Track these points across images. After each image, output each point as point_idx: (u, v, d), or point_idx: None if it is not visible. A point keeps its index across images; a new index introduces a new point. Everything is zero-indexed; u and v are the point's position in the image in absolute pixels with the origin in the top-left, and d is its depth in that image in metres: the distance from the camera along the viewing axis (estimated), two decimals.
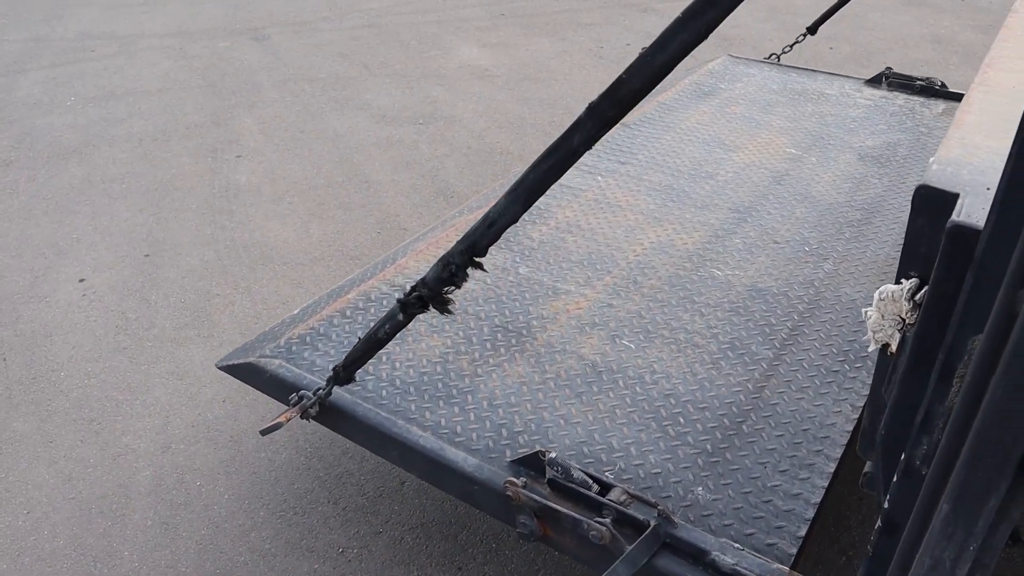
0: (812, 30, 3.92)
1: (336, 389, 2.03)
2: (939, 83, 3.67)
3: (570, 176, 2.96)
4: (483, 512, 1.92)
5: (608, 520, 1.66)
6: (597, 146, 3.17)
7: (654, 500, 1.71)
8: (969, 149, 1.37)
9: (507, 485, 1.75)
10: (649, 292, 2.44)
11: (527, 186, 1.46)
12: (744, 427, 1.97)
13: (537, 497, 1.72)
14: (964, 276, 1.05)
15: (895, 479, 1.21)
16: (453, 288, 1.68)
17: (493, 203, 1.57)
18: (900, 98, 3.68)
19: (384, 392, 2.08)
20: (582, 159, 3.09)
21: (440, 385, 2.10)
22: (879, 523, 1.31)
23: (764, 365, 2.16)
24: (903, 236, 2.65)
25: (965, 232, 1.07)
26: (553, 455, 1.77)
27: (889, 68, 3.82)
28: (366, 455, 2.62)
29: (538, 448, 1.83)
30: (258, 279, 3.65)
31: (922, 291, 1.24)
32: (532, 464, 1.81)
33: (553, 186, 2.90)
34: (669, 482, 1.83)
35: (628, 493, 1.73)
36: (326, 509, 2.47)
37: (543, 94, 5.77)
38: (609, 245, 2.66)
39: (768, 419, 2.00)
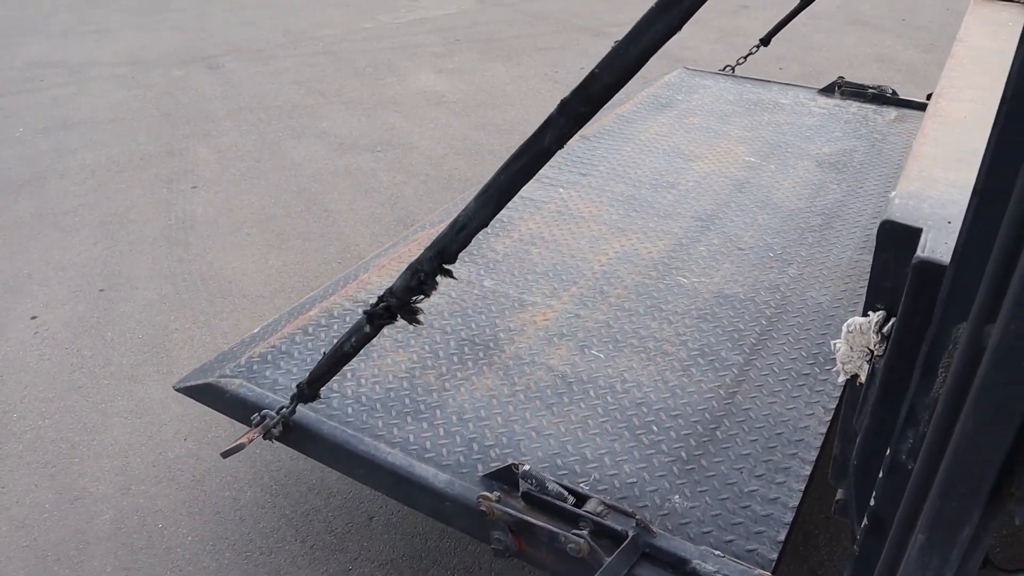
0: (765, 41, 3.98)
1: (300, 408, 1.97)
2: (890, 91, 3.74)
3: (532, 189, 2.95)
4: (455, 529, 1.86)
5: (586, 532, 1.62)
6: (557, 158, 3.16)
7: (631, 510, 1.67)
8: (928, 182, 1.41)
9: (480, 500, 1.70)
10: (616, 301, 2.42)
11: (498, 188, 1.42)
12: (718, 433, 1.95)
13: (512, 511, 1.67)
14: (931, 309, 1.07)
15: (880, 475, 1.19)
16: (422, 297, 1.62)
17: (455, 216, 1.53)
18: (853, 106, 3.74)
19: (350, 409, 2.01)
20: (543, 171, 3.08)
21: (407, 401, 2.04)
22: (865, 522, 1.28)
23: (735, 371, 2.14)
24: (864, 239, 2.68)
25: (931, 268, 1.10)
26: (527, 467, 1.72)
27: (841, 77, 3.88)
28: (333, 490, 2.55)
29: (510, 461, 1.79)
30: (217, 312, 3.58)
31: (889, 323, 1.27)
32: (505, 478, 1.76)
33: (516, 199, 2.89)
34: (645, 491, 1.80)
35: (605, 504, 1.69)
36: (294, 548, 2.38)
37: (500, 120, 5.77)
38: (574, 256, 2.64)
39: (741, 424, 1.97)
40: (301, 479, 2.60)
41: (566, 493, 1.70)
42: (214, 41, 7.81)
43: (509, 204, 2.90)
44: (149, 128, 5.69)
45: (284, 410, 1.89)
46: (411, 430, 1.95)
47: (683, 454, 1.89)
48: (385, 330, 2.22)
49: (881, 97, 3.74)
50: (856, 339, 1.32)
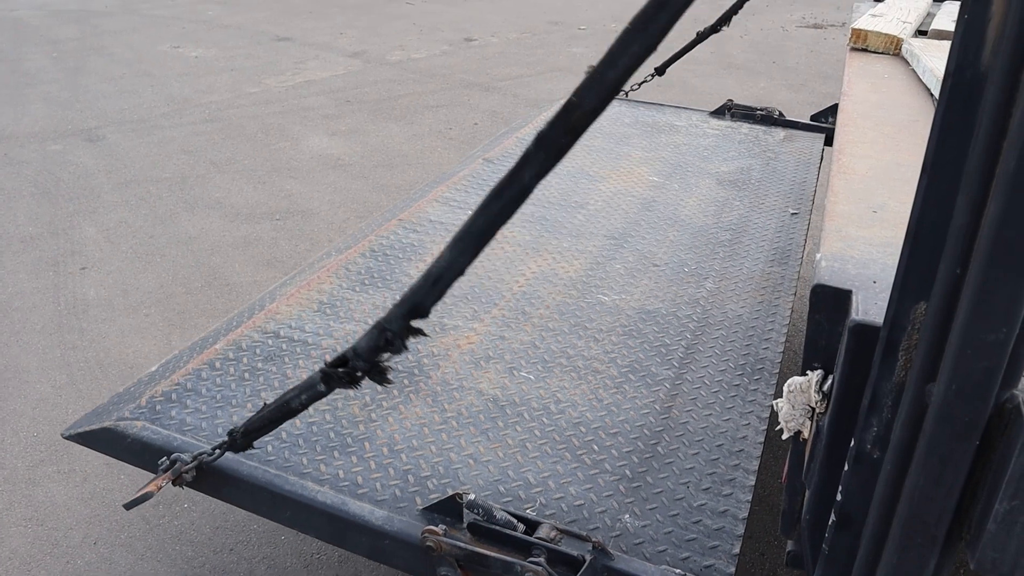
0: (660, 71, 4.06)
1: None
2: (777, 112, 3.89)
3: (440, 212, 2.87)
4: (396, 569, 1.73)
5: (542, 559, 1.53)
6: (463, 182, 3.08)
7: (585, 533, 1.59)
8: (848, 242, 1.51)
9: (426, 535, 1.58)
10: (540, 322, 2.35)
11: (475, 233, 1.27)
12: (659, 449, 1.91)
13: (461, 544, 1.56)
14: (868, 367, 1.13)
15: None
16: (389, 355, 1.46)
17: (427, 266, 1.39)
18: (744, 127, 3.87)
19: (269, 447, 1.85)
20: (449, 194, 2.99)
21: (331, 434, 1.90)
22: (833, 518, 1.27)
23: (667, 385, 2.11)
24: (772, 253, 2.73)
25: (866, 329, 1.18)
26: (471, 497, 1.61)
27: (730, 100, 4.01)
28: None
29: (451, 491, 1.68)
30: None
31: (828, 381, 1.33)
32: (448, 509, 1.65)
33: (421, 220, 2.78)
34: (594, 513, 1.72)
35: (557, 529, 1.60)
36: None
37: (398, 180, 5.68)
38: (491, 278, 2.57)
39: (681, 438, 1.94)
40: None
41: (515, 521, 1.61)
42: (92, 112, 7.38)
43: (418, 227, 2.81)
44: (28, 208, 5.29)
45: (204, 455, 1.71)
46: (339, 465, 1.81)
47: (627, 472, 1.83)
48: (300, 362, 2.08)
49: (769, 118, 3.88)
50: (797, 398, 1.39)
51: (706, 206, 3.08)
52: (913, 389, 1.01)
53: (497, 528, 1.59)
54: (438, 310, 2.30)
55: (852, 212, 1.70)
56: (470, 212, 2.92)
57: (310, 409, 1.91)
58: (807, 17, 10.55)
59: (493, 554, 1.54)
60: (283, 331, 2.25)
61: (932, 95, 2.62)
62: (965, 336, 0.90)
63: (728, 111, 3.97)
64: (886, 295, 1.08)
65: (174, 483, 1.74)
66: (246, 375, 2.07)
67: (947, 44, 3.04)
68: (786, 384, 1.39)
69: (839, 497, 1.24)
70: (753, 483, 1.82)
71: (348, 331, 2.26)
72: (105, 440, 1.89)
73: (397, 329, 1.37)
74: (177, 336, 3.86)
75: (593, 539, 1.57)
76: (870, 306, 1.24)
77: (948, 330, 0.93)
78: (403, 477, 1.79)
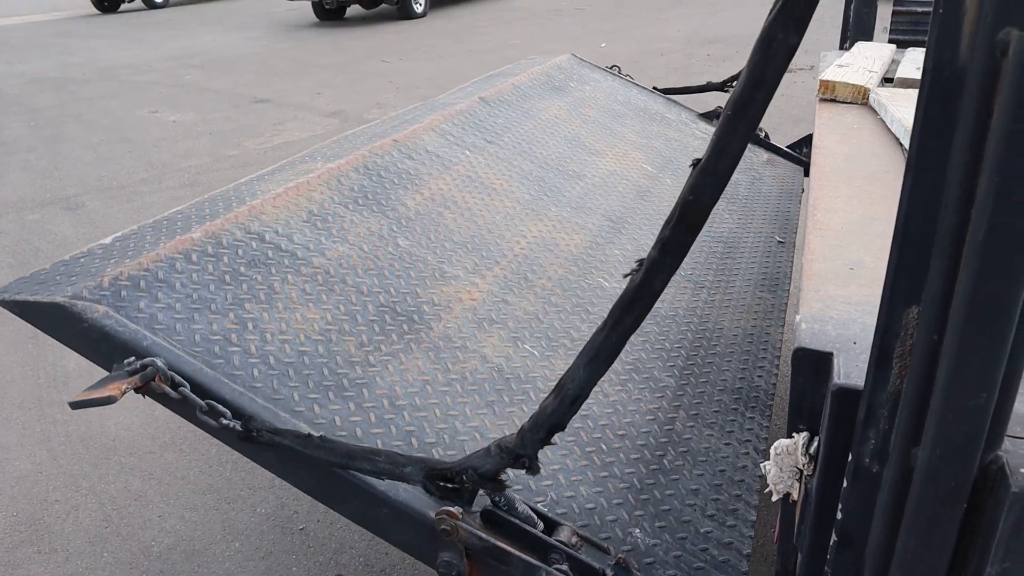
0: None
1: (191, 361, 1.53)
2: (763, 133, 3.85)
3: (438, 144, 2.63)
4: (384, 540, 1.53)
5: (566, 567, 1.39)
6: (460, 118, 2.84)
7: (606, 545, 1.46)
8: (826, 302, 1.53)
9: (442, 516, 1.39)
10: (542, 293, 2.19)
11: (608, 348, 1.24)
12: (665, 462, 1.80)
13: (482, 535, 1.39)
14: (852, 429, 1.13)
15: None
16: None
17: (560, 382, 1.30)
18: None
19: (255, 371, 1.59)
20: (446, 127, 2.74)
21: (326, 371, 1.66)
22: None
23: (669, 394, 2.01)
24: (762, 278, 2.67)
25: (848, 392, 1.18)
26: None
27: (720, 107, 3.94)
28: None
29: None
30: (103, 476, 3.23)
31: (815, 443, 1.34)
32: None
33: (416, 147, 2.53)
34: (606, 520, 1.60)
35: (578, 534, 1.46)
36: None
37: None
38: (491, 232, 2.36)
39: (685, 455, 1.84)
40: None
41: (536, 517, 1.45)
42: (71, 180, 7.17)
43: (413, 154, 2.56)
44: (5, 279, 4.80)
45: (206, 417, 1.46)
46: (336, 410, 1.58)
47: (635, 482, 1.72)
48: (290, 277, 1.83)
49: (755, 137, 3.84)
50: (784, 460, 1.39)
51: None
52: (898, 453, 1.02)
53: (516, 522, 1.43)
54: (436, 253, 2.10)
55: (829, 270, 1.71)
56: (468, 152, 2.70)
57: (300, 336, 1.69)
58: None
59: (517, 553, 1.38)
60: (269, 235, 1.96)
61: (901, 145, 2.63)
62: (946, 402, 0.90)
63: (716, 117, 3.89)
64: (866, 356, 1.08)
65: (138, 390, 1.46)
66: (227, 278, 1.79)
67: (912, 92, 3.08)
68: (773, 447, 1.40)
69: (828, 568, 1.23)
70: (755, 519, 1.75)
71: (341, 253, 2.00)
72: (53, 318, 1.57)
73: (533, 453, 1.30)
74: (161, 408, 3.62)
75: (619, 556, 1.44)
76: (851, 368, 1.25)
77: (929, 395, 0.93)
78: (406, 439, 1.58)
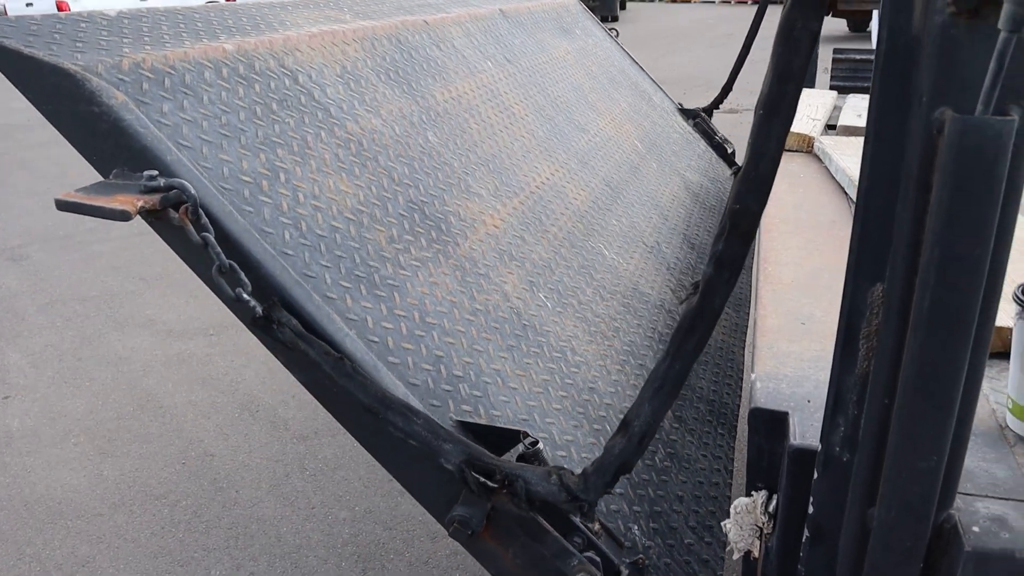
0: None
1: (220, 199, 1.23)
2: (731, 149, 3.83)
3: (463, 44, 2.39)
4: (391, 475, 1.32)
5: (596, 557, 1.24)
6: (481, 25, 2.60)
7: (625, 542, 1.34)
8: (780, 359, 1.56)
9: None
10: (554, 243, 2.01)
11: (673, 378, 1.15)
12: (656, 460, 1.70)
13: (521, 504, 1.21)
14: (809, 488, 1.14)
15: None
16: None
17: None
18: (702, 143, 3.75)
19: (287, 235, 1.31)
20: (473, 31, 2.49)
21: (357, 258, 1.41)
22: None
23: None
24: (738, 294, 2.64)
25: (804, 453, 1.21)
26: (539, 445, 1.27)
27: (700, 110, 3.88)
28: None
29: (483, 409, 1.33)
30: (48, 541, 3.06)
31: (773, 501, 1.35)
32: (498, 443, 1.29)
33: (445, 38, 2.28)
34: (610, 508, 1.47)
35: (600, 522, 1.33)
36: None
37: None
38: (510, 158, 2.15)
39: (672, 457, 1.75)
40: None
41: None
42: (15, 230, 6.85)
43: (441, 44, 2.30)
44: None
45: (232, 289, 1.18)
46: (368, 309, 1.34)
47: (634, 474, 1.60)
48: (323, 135, 1.56)
49: (722, 149, 3.81)
50: (744, 518, 1.39)
51: (678, 206, 2.91)
52: (854, 513, 1.03)
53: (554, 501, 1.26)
54: (462, 160, 1.89)
55: (781, 326, 1.75)
56: (491, 64, 2.46)
57: (333, 209, 1.44)
58: (724, 103, 10.88)
59: (554, 532, 1.22)
60: (302, 78, 1.65)
61: (847, 194, 2.71)
62: (898, 464, 0.92)
63: (693, 119, 3.83)
64: (820, 415, 1.08)
65: (150, 213, 1.15)
66: (258, 111, 1.47)
67: (854, 139, 3.19)
68: (732, 505, 1.39)
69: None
70: (724, 541, 1.70)
71: (375, 127, 1.72)
72: (51, 88, 1.21)
73: (595, 499, 1.17)
74: (109, 465, 3.50)
75: (639, 556, 1.32)
76: (807, 428, 1.28)
77: (882, 457, 0.95)
78: (435, 364, 1.37)
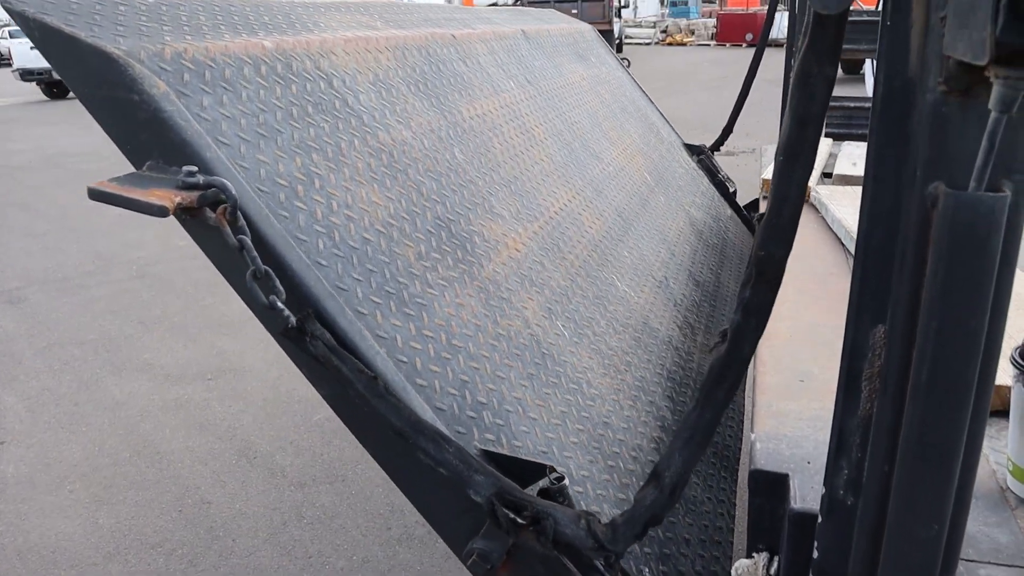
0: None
1: (257, 202, 1.18)
2: (733, 188, 3.84)
3: (488, 61, 2.37)
4: (406, 496, 1.26)
5: None
6: (505, 43, 2.58)
7: None
8: (779, 419, 1.56)
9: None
10: (571, 271, 1.98)
11: (703, 429, 1.16)
12: None
13: (548, 544, 1.17)
14: (811, 550, 1.13)
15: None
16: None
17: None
18: (705, 180, 3.76)
19: (321, 244, 1.27)
20: (499, 51, 2.47)
21: (387, 273, 1.36)
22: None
23: (666, 423, 1.88)
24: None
25: (805, 517, 1.21)
26: (565, 482, 1.23)
27: (705, 147, 3.89)
28: None
29: (504, 439, 1.29)
30: None
31: (775, 562, 1.35)
32: (523, 475, 1.24)
33: (470, 54, 2.26)
34: None
35: (620, 568, 1.28)
36: None
37: None
38: (531, 181, 2.12)
39: (680, 499, 1.71)
40: None
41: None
42: (14, 272, 6.92)
43: (467, 60, 2.27)
44: None
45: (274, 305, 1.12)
46: (398, 328, 1.30)
47: None
48: (356, 143, 1.52)
49: (724, 187, 3.82)
50: None
51: (683, 243, 2.89)
52: (860, 558, 1.02)
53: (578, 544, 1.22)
54: (486, 179, 1.86)
55: (780, 383, 1.75)
56: (513, 84, 2.44)
57: (365, 220, 1.40)
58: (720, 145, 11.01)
59: (577, 573, 1.18)
60: (336, 83, 1.61)
61: (844, 245, 2.72)
62: (899, 533, 0.92)
63: (699, 156, 3.84)
64: (820, 476, 1.08)
65: (184, 211, 1.10)
66: (295, 112, 1.43)
67: (850, 188, 3.19)
68: (734, 567, 1.39)
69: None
70: None
71: (405, 139, 1.69)
72: (89, 69, 1.16)
73: (623, 550, 1.16)
74: (104, 513, 3.47)
75: None
76: (807, 491, 1.27)
77: (887, 500, 0.94)
78: (460, 389, 1.33)
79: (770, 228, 1.04)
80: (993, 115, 0.72)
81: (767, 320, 1.11)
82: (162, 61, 1.22)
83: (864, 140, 4.15)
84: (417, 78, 1.93)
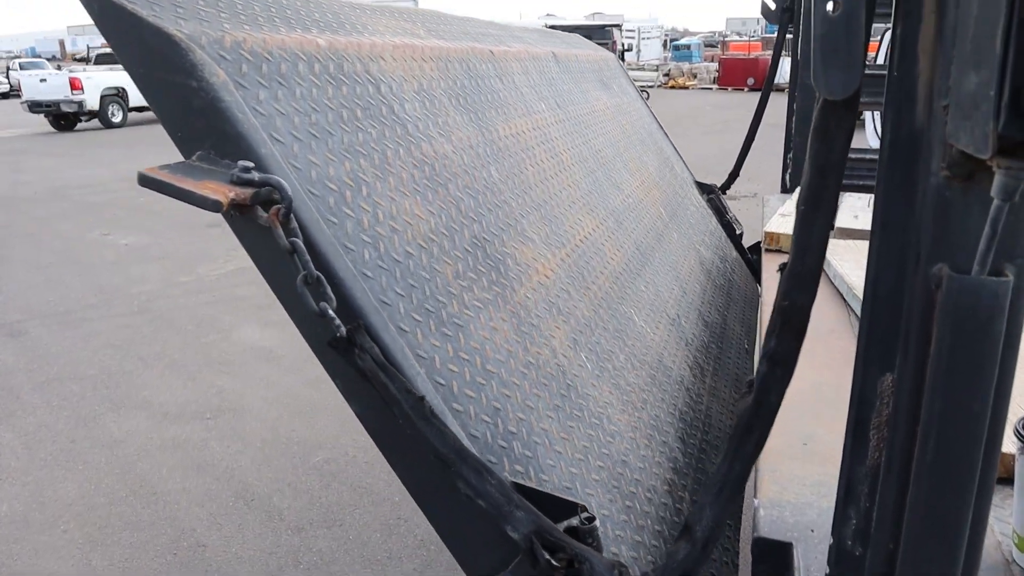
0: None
1: (309, 206, 1.14)
2: (740, 230, 3.84)
3: (522, 81, 2.34)
4: (436, 530, 1.21)
5: None
6: (537, 64, 2.55)
7: None
8: (782, 484, 1.53)
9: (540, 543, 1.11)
10: (593, 301, 1.95)
11: (733, 481, 1.14)
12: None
13: None
14: None
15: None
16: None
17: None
18: (713, 220, 3.75)
19: (367, 255, 1.22)
20: (532, 70, 2.45)
21: (427, 291, 1.32)
22: None
23: (679, 467, 1.84)
24: (735, 380, 2.60)
25: None
26: (596, 523, 1.19)
27: (716, 186, 3.89)
28: None
29: (533, 471, 1.25)
30: None
31: None
32: (554, 513, 1.20)
33: (505, 72, 2.23)
34: None
35: None
36: None
37: None
38: (559, 206, 2.09)
39: None
40: None
41: None
42: (16, 304, 6.92)
43: (504, 80, 2.24)
44: None
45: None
46: (437, 348, 1.25)
47: (658, 558, 1.52)
48: (401, 152, 1.48)
49: (731, 228, 3.81)
50: None
51: (694, 282, 2.87)
52: None
53: None
54: (519, 201, 1.83)
55: (783, 446, 1.72)
56: (543, 105, 2.40)
57: (408, 232, 1.35)
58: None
59: None
60: (384, 88, 1.57)
61: (847, 302, 2.71)
62: None
63: (709, 195, 3.83)
64: (825, 545, 1.07)
65: (234, 207, 1.05)
66: (345, 115, 1.38)
67: (852, 243, 3.18)
68: None
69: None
70: None
71: (446, 152, 1.65)
72: (148, 48, 1.11)
73: None
74: (98, 554, 3.43)
75: None
76: (811, 560, 1.26)
77: (896, 551, 0.93)
78: (493, 416, 1.28)
79: (793, 277, 1.03)
80: (995, 203, 0.72)
81: (794, 369, 1.10)
82: (222, 49, 1.18)
83: (865, 192, 4.17)
84: (458, 91, 1.90)
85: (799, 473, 1.57)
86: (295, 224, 1.07)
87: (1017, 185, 0.70)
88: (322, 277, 1.07)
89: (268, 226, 1.06)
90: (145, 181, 1.04)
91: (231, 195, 1.03)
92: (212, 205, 1.00)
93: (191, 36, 1.13)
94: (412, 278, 1.30)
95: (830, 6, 0.84)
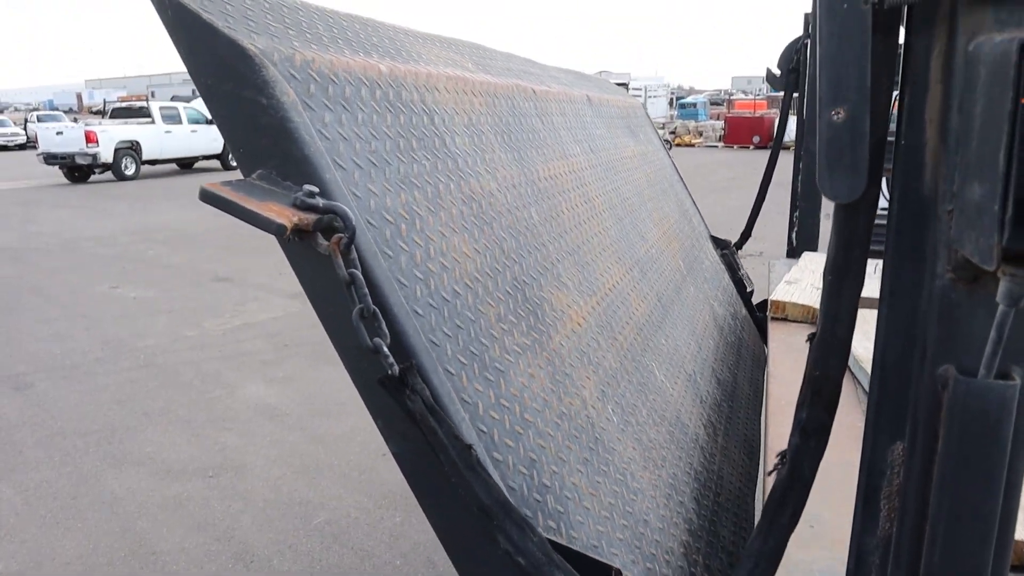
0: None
1: (367, 236, 1.11)
2: (751, 288, 3.83)
3: (560, 122, 2.33)
4: (456, 570, 1.17)
5: None
6: (573, 108, 2.54)
7: None
8: (789, 569, 1.43)
9: None
10: (620, 353, 1.92)
11: (768, 556, 1.11)
12: None
13: None
14: None
15: None
16: None
17: None
18: (726, 276, 3.74)
19: (418, 291, 1.19)
20: (565, 109, 2.44)
21: (472, 332, 1.29)
22: None
23: (692, 528, 1.80)
24: (743, 441, 2.57)
25: None
26: None
27: (731, 242, 3.88)
28: None
29: (564, 527, 1.21)
30: None
31: None
32: (588, 573, 1.16)
33: (548, 121, 2.21)
34: None
35: None
36: None
37: (337, 430, 5.19)
38: (590, 252, 2.07)
39: None
40: None
41: None
42: (22, 357, 6.90)
43: (544, 120, 2.23)
44: None
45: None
46: (480, 394, 1.22)
47: None
48: (452, 187, 1.46)
49: (742, 286, 3.81)
50: None
51: (707, 338, 2.85)
52: None
53: None
54: (555, 245, 1.80)
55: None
56: (578, 148, 2.38)
57: (456, 270, 1.32)
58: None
59: None
60: (437, 119, 1.55)
61: (854, 375, 2.67)
62: None
63: (723, 250, 3.83)
64: None
65: (295, 232, 1.01)
66: (402, 145, 1.36)
67: (859, 312, 3.16)
68: None
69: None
70: None
71: (492, 190, 1.62)
72: (220, 60, 1.08)
73: None
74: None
75: None
76: None
77: None
78: (529, 468, 1.25)
79: (823, 347, 1.02)
80: (1001, 308, 0.73)
81: (827, 441, 1.07)
82: (292, 67, 1.15)
83: (873, 257, 4.18)
84: (502, 128, 1.88)
85: (805, 558, 1.52)
86: (355, 255, 1.04)
87: (1022, 292, 0.70)
88: (378, 312, 1.04)
89: (327, 254, 1.03)
90: (207, 197, 1.01)
91: (295, 219, 1.00)
92: (276, 228, 0.97)
93: (264, 52, 1.10)
94: (459, 319, 1.26)
95: (835, 114, 0.84)
